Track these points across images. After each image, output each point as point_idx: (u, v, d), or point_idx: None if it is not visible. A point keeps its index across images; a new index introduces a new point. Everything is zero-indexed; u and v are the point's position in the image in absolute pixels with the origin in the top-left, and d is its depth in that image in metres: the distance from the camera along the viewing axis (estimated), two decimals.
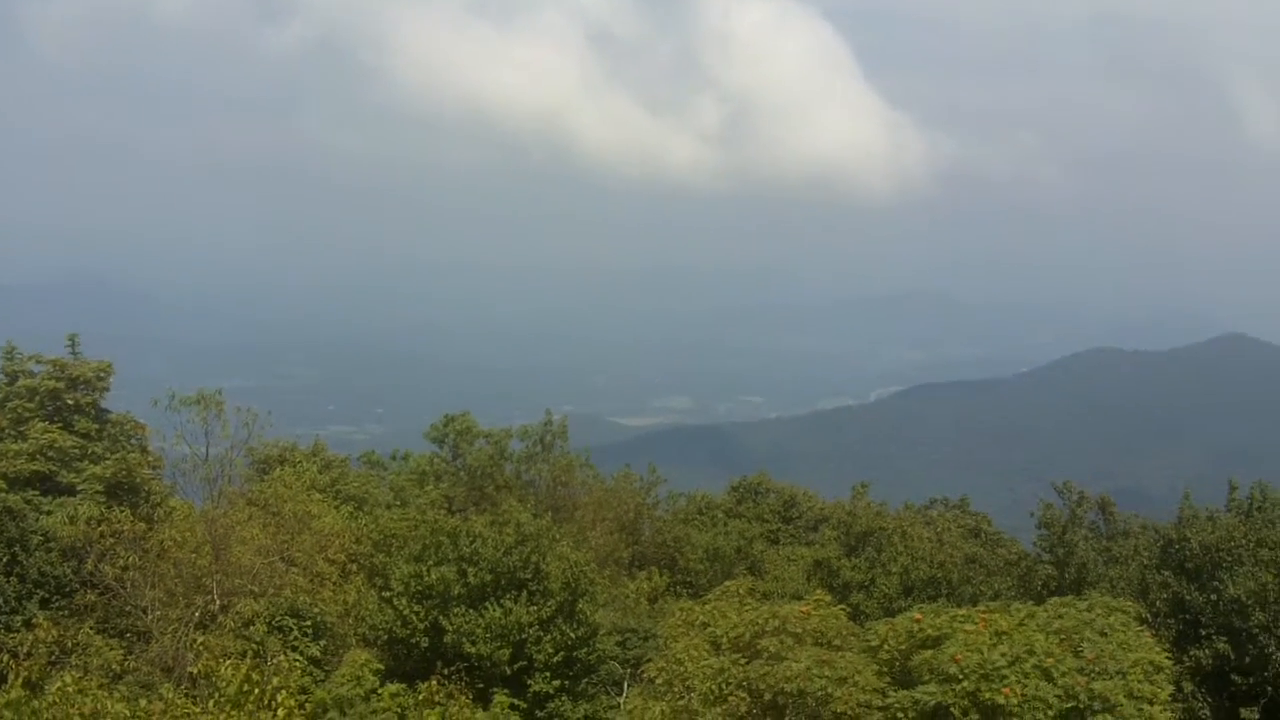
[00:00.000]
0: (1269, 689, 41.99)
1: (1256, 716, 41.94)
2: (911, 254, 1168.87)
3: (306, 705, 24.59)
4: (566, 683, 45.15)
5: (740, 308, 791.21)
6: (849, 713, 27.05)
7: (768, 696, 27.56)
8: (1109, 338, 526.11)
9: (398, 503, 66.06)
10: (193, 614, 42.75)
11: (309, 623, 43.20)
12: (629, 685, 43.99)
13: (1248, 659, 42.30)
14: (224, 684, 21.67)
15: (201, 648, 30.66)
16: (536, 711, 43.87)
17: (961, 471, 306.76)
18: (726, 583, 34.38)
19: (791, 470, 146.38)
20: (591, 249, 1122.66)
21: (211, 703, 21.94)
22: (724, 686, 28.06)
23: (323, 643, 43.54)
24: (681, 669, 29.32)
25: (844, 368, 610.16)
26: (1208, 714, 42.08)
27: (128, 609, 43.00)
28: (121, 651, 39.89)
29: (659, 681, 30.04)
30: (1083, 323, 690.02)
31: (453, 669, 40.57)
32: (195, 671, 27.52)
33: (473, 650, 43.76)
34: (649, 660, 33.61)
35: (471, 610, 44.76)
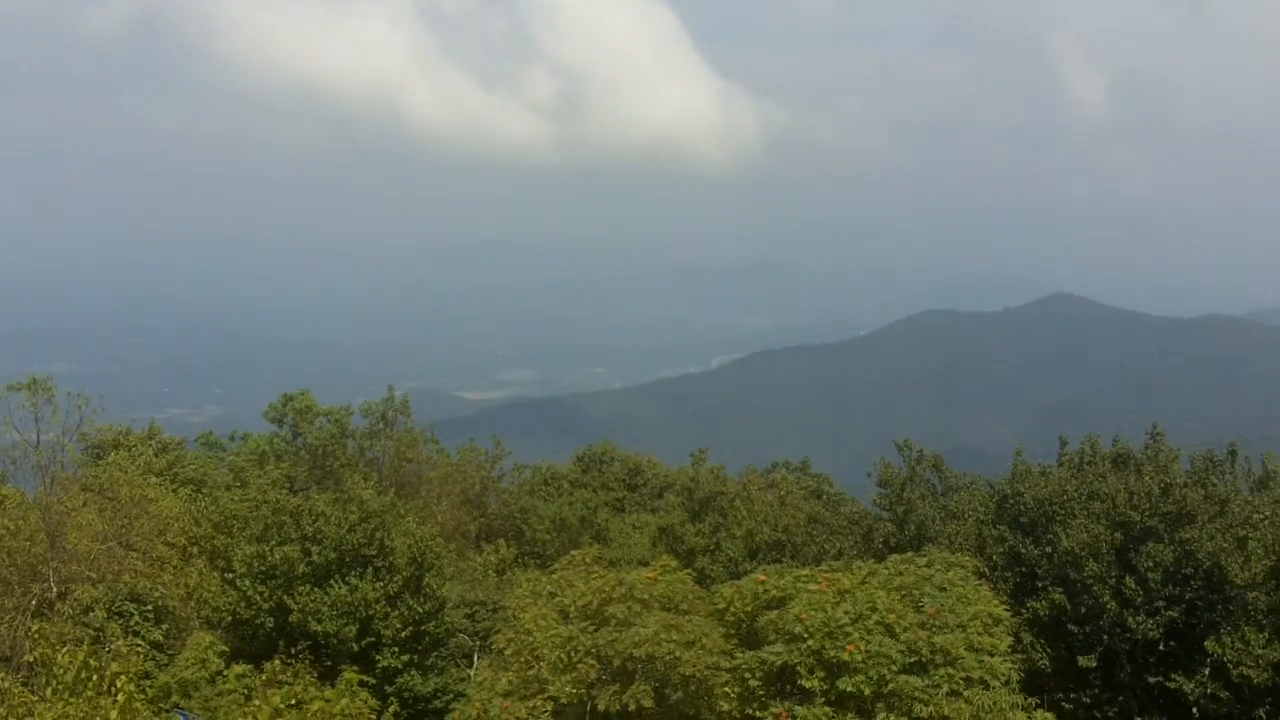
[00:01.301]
0: (1104, 637, 43.26)
1: (1094, 664, 43.22)
2: (747, 222, 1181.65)
3: (148, 690, 24.15)
4: (415, 657, 45.04)
5: (581, 279, 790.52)
6: (697, 675, 27.32)
7: (617, 662, 27.72)
8: (942, 300, 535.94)
9: (238, 484, 65.04)
10: (29, 602, 41.73)
11: (150, 607, 42.52)
12: (479, 657, 44.01)
13: (1083, 609, 43.53)
14: (61, 671, 21.16)
15: (37, 635, 29.91)
16: (386, 686, 43.67)
17: (803, 434, 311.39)
18: (573, 552, 34.42)
19: (636, 439, 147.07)
20: (429, 224, 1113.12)
21: (49, 690, 21.41)
22: (573, 654, 28.15)
23: (165, 627, 42.88)
24: (530, 639, 29.32)
25: (686, 336, 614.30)
26: (1046, 663, 43.25)
27: None
28: None
29: (508, 652, 30.01)
30: (916, 286, 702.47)
31: (299, 648, 40.23)
32: (31, 660, 26.84)
33: (319, 628, 43.39)
34: (498, 631, 33.60)
35: (316, 589, 44.36)
